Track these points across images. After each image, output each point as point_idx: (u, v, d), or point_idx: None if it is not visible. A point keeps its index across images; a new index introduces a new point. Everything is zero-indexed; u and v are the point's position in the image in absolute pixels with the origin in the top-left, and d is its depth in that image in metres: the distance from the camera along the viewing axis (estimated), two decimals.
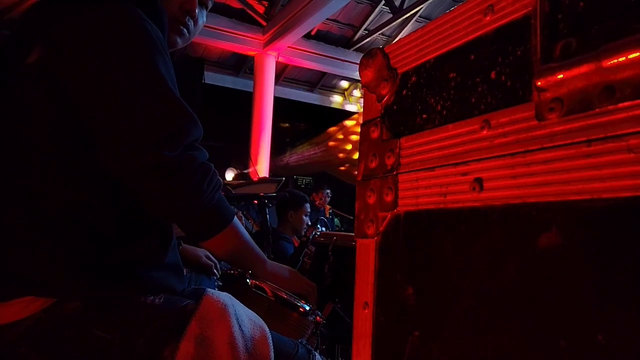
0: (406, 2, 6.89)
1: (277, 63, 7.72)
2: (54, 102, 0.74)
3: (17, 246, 0.73)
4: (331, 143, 9.34)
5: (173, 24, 0.93)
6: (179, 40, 0.97)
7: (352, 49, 8.01)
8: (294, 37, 6.96)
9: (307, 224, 3.16)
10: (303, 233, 2.99)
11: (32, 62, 0.75)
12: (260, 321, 0.78)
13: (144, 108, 0.74)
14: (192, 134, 0.77)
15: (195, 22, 0.98)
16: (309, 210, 3.27)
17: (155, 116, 0.74)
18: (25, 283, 0.71)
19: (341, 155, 9.23)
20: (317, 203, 5.76)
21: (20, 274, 0.72)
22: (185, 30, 0.96)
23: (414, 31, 0.46)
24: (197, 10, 0.96)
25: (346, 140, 9.30)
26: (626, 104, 0.27)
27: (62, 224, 0.73)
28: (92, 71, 0.73)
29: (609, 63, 0.28)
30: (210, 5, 1.01)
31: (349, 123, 9.26)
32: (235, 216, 0.86)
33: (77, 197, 0.74)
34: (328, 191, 6.06)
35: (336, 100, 9.78)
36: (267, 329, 0.76)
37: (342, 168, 9.20)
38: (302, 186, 8.01)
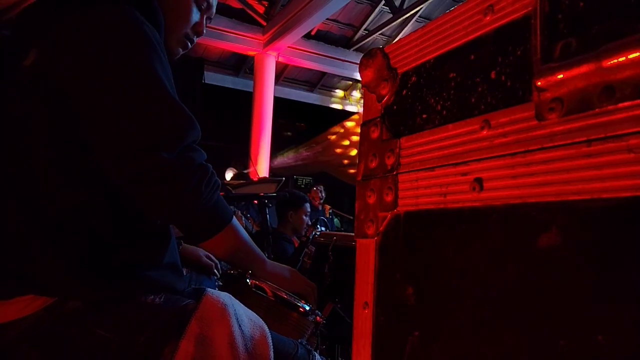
0: (406, 2, 6.89)
1: (277, 63, 7.72)
2: (50, 105, 0.73)
3: (18, 247, 0.73)
4: (318, 148, 9.41)
5: (180, 39, 0.95)
6: (181, 51, 0.98)
7: (352, 49, 8.01)
8: (294, 37, 6.96)
9: (307, 224, 3.17)
10: (303, 233, 3.01)
11: (29, 64, 0.75)
12: (260, 321, 0.78)
13: (141, 110, 0.73)
14: (189, 136, 0.76)
15: (200, 35, 1.00)
16: (309, 210, 3.28)
17: (152, 118, 0.74)
18: (25, 282, 0.71)
19: (329, 158, 9.31)
20: (316, 203, 5.75)
21: (20, 273, 0.72)
22: (190, 44, 0.98)
23: (414, 31, 0.46)
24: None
25: (334, 144, 9.39)
26: (626, 104, 0.27)
27: (61, 226, 0.73)
28: (86, 74, 0.73)
29: (609, 63, 0.28)
30: (213, 16, 1.03)
31: (334, 133, 9.34)
32: (235, 216, 0.86)
33: (76, 200, 0.74)
34: (321, 187, 6.05)
35: (336, 100, 9.79)
36: (266, 329, 0.77)
37: (343, 168, 9.23)
38: (302, 186, 8.01)
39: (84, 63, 0.73)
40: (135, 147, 0.72)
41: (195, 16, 0.95)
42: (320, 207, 5.84)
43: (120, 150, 0.73)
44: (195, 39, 0.99)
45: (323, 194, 6.01)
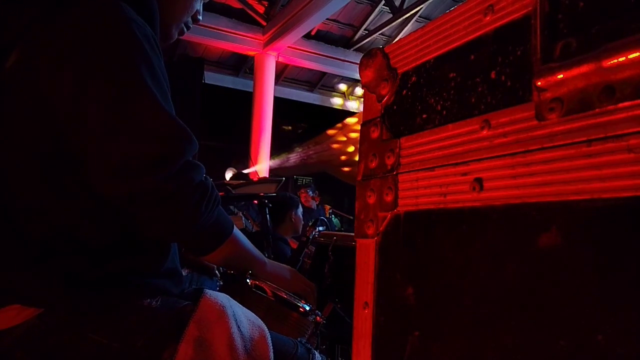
0: (406, 2, 6.89)
1: (277, 63, 7.73)
2: (34, 114, 0.68)
3: (6, 261, 0.71)
4: (308, 151, 9.48)
5: (177, 24, 0.92)
6: (176, 35, 0.94)
7: (352, 49, 8.02)
8: (294, 37, 6.96)
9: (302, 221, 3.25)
10: (300, 232, 3.08)
11: (9, 67, 0.70)
12: (259, 321, 0.77)
13: (130, 129, 0.66)
14: (186, 154, 0.70)
15: (197, 22, 0.97)
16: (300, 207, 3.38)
17: (144, 136, 0.67)
18: (14, 295, 0.70)
19: (316, 160, 9.37)
20: (308, 204, 5.70)
21: (9, 286, 0.70)
22: (186, 29, 0.95)
23: (414, 31, 0.46)
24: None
25: (325, 147, 9.45)
26: (626, 104, 0.27)
27: (51, 243, 0.70)
28: (70, 83, 0.66)
29: (609, 63, 0.28)
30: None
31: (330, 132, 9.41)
32: (233, 216, 0.85)
33: (68, 217, 0.70)
34: (309, 190, 5.99)
35: (336, 100, 9.79)
36: (266, 329, 0.76)
37: (346, 169, 9.25)
38: (303, 186, 8.03)
39: (66, 72, 0.66)
40: (127, 169, 0.66)
41: (197, 4, 0.92)
42: (314, 207, 5.80)
43: (110, 172, 0.67)
44: (191, 25, 0.96)
45: (311, 193, 5.95)
